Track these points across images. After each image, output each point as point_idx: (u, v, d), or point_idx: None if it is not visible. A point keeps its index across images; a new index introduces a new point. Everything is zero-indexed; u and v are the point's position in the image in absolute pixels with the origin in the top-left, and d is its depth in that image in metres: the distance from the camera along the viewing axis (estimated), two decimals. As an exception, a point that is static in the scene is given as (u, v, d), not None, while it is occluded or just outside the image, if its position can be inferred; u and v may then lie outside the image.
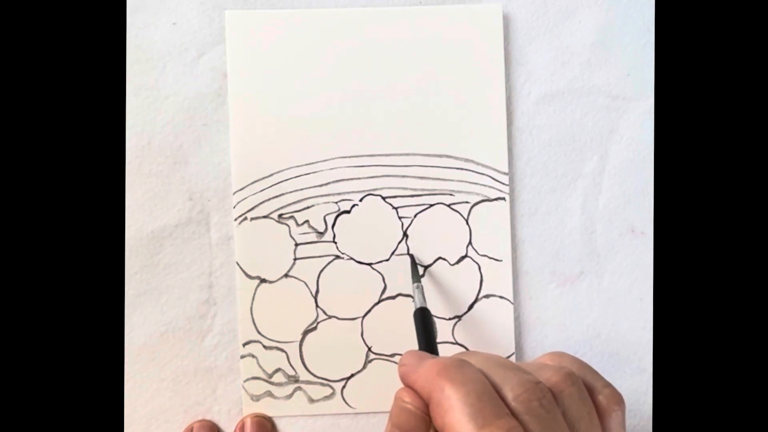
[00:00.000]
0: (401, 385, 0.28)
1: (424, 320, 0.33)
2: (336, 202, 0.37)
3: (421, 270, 0.37)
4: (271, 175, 0.37)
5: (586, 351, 0.38)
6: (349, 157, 0.37)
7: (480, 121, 0.37)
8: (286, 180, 0.37)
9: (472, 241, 0.38)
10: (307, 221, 0.37)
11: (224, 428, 0.37)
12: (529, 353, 0.38)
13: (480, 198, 0.38)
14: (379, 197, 0.37)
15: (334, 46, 0.37)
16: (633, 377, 0.38)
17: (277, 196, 0.37)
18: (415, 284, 0.35)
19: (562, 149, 0.38)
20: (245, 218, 0.37)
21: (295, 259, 0.37)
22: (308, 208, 0.37)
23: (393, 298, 0.37)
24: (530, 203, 0.38)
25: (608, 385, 0.27)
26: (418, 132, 0.37)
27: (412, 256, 0.37)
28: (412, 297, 0.37)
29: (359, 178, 0.37)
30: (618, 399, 0.27)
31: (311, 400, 0.37)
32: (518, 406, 0.24)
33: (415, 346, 0.38)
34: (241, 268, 0.37)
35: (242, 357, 0.37)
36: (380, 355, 0.37)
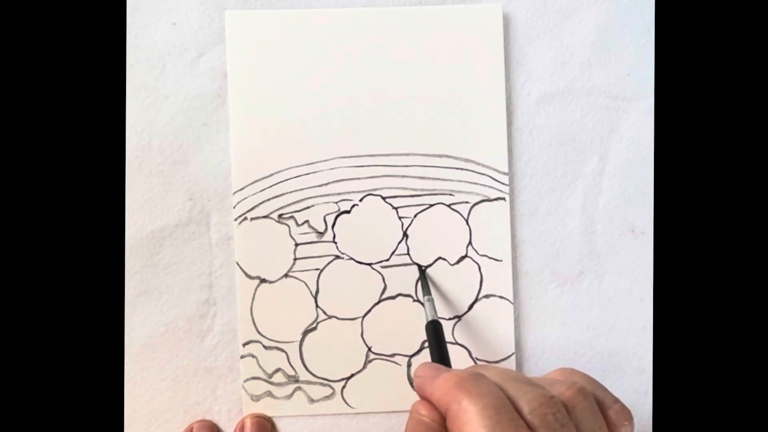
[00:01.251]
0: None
1: (436, 333, 0.33)
2: (336, 202, 0.37)
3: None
4: (271, 175, 0.37)
5: (586, 351, 0.38)
6: (349, 157, 0.37)
7: (480, 121, 0.37)
8: (286, 180, 0.37)
9: (472, 241, 0.38)
10: (307, 221, 0.37)
11: (224, 428, 0.37)
12: (529, 353, 0.38)
13: (480, 198, 0.38)
14: (379, 197, 0.37)
15: (334, 46, 0.37)
16: (633, 377, 0.38)
17: (277, 196, 0.37)
18: (426, 297, 0.36)
19: (562, 149, 0.38)
20: (245, 218, 0.37)
21: (295, 259, 0.37)
22: (308, 208, 0.37)
23: (393, 298, 0.37)
24: (530, 203, 0.38)
25: (617, 400, 0.28)
26: (418, 132, 0.37)
27: (422, 270, 0.37)
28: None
29: (359, 178, 0.37)
30: (627, 415, 0.28)
31: (311, 400, 0.37)
32: (534, 420, 0.24)
33: (415, 344, 0.38)
34: (241, 268, 0.37)
35: (242, 357, 0.37)
36: (380, 355, 0.37)
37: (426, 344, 0.37)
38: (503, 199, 0.38)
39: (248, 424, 0.36)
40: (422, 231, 0.37)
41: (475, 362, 0.37)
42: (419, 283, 0.37)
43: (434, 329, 0.33)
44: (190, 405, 0.37)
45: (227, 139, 0.37)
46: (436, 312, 0.35)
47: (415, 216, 0.37)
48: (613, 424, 0.27)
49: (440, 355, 0.32)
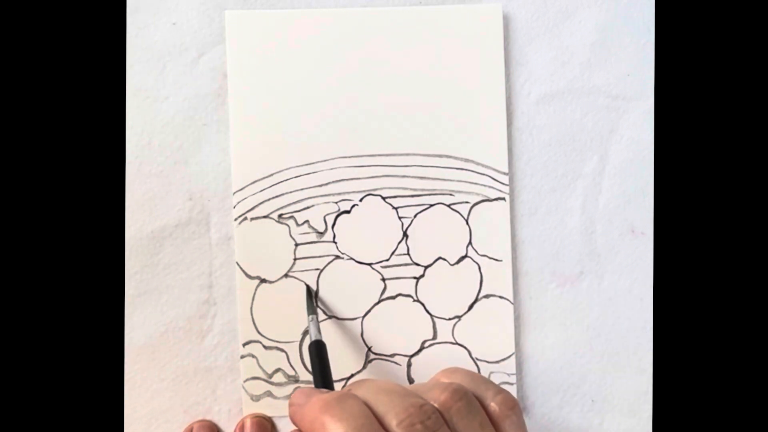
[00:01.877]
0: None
1: (319, 354, 0.33)
2: (336, 202, 0.37)
3: (420, 270, 0.37)
4: (271, 175, 0.37)
5: (586, 351, 0.38)
6: (349, 157, 0.37)
7: (480, 121, 0.37)
8: (286, 180, 0.37)
9: (472, 241, 0.38)
10: (307, 221, 0.37)
11: (224, 428, 0.37)
12: (529, 353, 0.38)
13: (480, 198, 0.38)
14: (379, 197, 0.37)
15: (333, 46, 0.37)
16: (633, 377, 0.38)
17: (277, 196, 0.37)
18: (311, 316, 0.35)
19: (562, 149, 0.38)
20: (245, 218, 0.37)
21: (295, 259, 0.37)
22: (308, 208, 0.37)
23: (393, 298, 0.37)
24: (530, 203, 0.38)
25: (500, 392, 0.28)
26: (418, 132, 0.37)
27: (308, 287, 0.37)
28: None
29: (359, 178, 0.37)
30: (511, 404, 0.27)
31: (311, 400, 0.37)
32: None
33: (415, 344, 0.38)
34: (241, 268, 0.37)
35: (242, 357, 0.37)
36: (380, 355, 0.37)
37: (426, 344, 0.37)
38: (503, 199, 0.38)
39: (248, 424, 0.36)
40: (422, 231, 0.37)
41: (475, 362, 0.37)
42: (418, 284, 0.37)
43: (317, 350, 0.33)
44: (190, 405, 0.37)
45: (227, 139, 0.37)
46: (320, 332, 0.34)
47: (415, 216, 0.37)
48: (497, 416, 0.27)
49: (323, 378, 0.32)
